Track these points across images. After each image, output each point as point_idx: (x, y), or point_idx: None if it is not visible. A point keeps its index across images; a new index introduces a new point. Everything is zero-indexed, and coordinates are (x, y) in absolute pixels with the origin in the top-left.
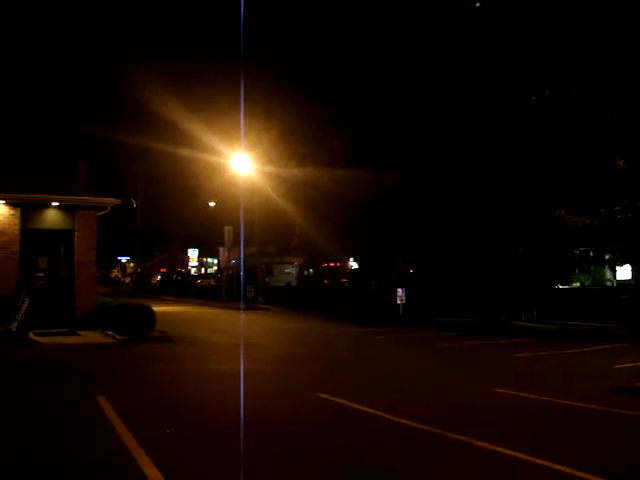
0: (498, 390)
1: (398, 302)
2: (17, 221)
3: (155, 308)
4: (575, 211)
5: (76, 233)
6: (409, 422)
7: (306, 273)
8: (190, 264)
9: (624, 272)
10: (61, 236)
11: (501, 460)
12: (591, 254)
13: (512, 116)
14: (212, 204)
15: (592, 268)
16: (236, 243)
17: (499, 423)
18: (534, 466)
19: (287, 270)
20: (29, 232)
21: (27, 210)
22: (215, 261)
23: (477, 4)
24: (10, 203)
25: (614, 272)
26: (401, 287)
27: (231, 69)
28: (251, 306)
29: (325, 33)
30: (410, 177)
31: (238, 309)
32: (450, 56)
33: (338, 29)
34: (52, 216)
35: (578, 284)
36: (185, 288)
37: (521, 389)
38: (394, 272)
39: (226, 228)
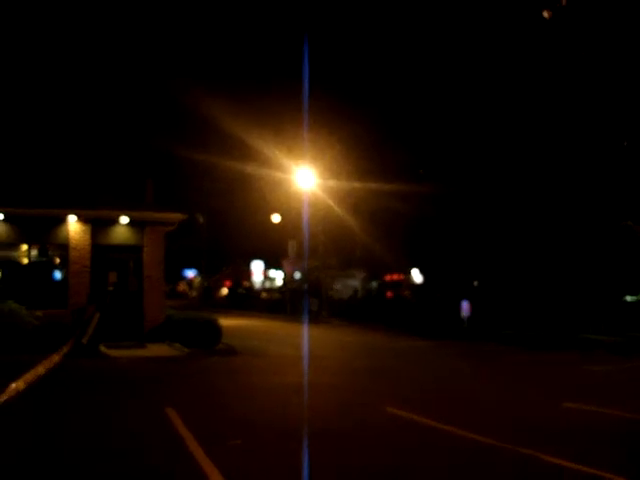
0: (567, 405)
1: (463, 315)
2: (88, 237)
3: (221, 321)
4: None
5: (145, 248)
6: (476, 436)
7: (369, 286)
8: (255, 278)
9: None
10: (130, 251)
11: (572, 476)
12: None
13: (575, 128)
14: (277, 219)
15: None
16: (300, 257)
17: (569, 438)
18: None
19: (350, 283)
20: (100, 247)
21: (98, 226)
22: (280, 274)
23: (546, 14)
24: (82, 219)
25: None
26: (465, 300)
27: (295, 87)
28: (314, 319)
29: (385, 56)
30: (472, 190)
31: (302, 322)
32: (512, 65)
33: (396, 53)
34: (122, 232)
35: None
36: (250, 301)
37: (590, 404)
38: (458, 285)
39: (290, 242)
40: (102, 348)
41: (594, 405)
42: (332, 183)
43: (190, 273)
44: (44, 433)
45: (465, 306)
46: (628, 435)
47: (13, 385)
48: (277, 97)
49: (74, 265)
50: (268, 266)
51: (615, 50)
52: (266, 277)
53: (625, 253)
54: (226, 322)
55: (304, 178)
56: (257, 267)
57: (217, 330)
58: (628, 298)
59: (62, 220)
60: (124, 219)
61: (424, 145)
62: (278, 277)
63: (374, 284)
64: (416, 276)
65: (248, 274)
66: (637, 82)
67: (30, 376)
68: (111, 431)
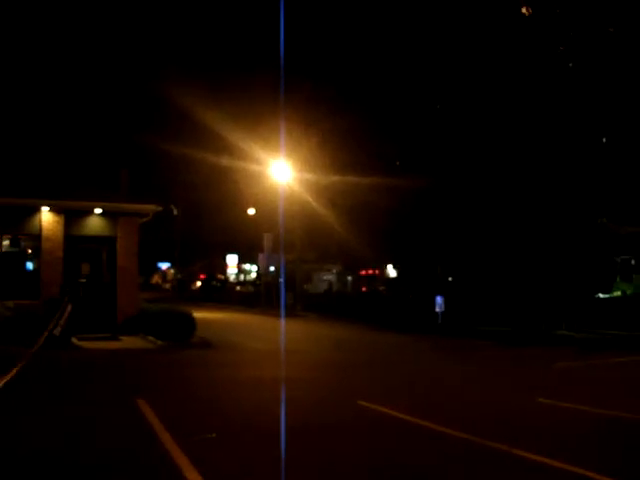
0: (541, 400)
1: (437, 310)
2: (61, 227)
3: (195, 314)
4: (617, 219)
5: (118, 239)
6: (449, 430)
7: (344, 281)
8: (229, 271)
9: None
10: (104, 242)
11: (544, 470)
12: (633, 262)
13: (553, 124)
14: (252, 212)
15: (634, 277)
16: (275, 250)
17: (543, 434)
18: (577, 476)
19: (325, 277)
20: (72, 238)
21: (71, 217)
22: (254, 268)
23: (525, 10)
24: (55, 210)
25: None
26: (440, 295)
27: (271, 78)
28: (289, 313)
29: (363, 45)
30: (449, 185)
31: (277, 316)
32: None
33: (375, 41)
34: (95, 223)
35: (619, 293)
36: (224, 295)
37: (564, 399)
38: (432, 280)
39: (265, 235)
40: (74, 340)
41: (567, 401)
42: (309, 176)
43: (164, 265)
44: (11, 424)
45: (439, 301)
46: (601, 431)
47: None
48: (253, 89)
49: (46, 256)
50: (243, 259)
51: (594, 48)
52: (240, 270)
53: (599, 250)
54: (200, 315)
55: (280, 171)
56: (232, 260)
57: (191, 323)
58: (601, 295)
59: (35, 210)
60: (98, 210)
61: (403, 139)
62: (253, 270)
63: (349, 278)
64: (391, 271)
65: (222, 267)
66: (615, 80)
67: None
68: (81, 423)
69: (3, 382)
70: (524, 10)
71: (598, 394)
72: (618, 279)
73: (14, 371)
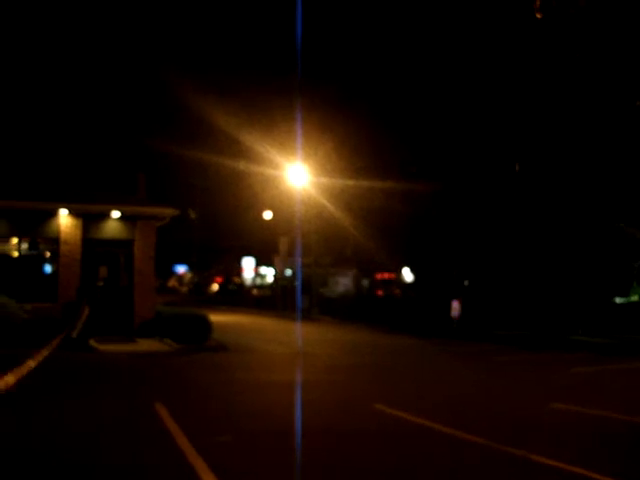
0: (556, 405)
1: (453, 314)
2: (79, 231)
3: (211, 317)
4: (635, 224)
5: (136, 243)
6: (466, 435)
7: (360, 284)
8: (245, 274)
9: None
10: (121, 246)
11: (561, 475)
12: None
13: (569, 128)
14: (268, 215)
15: None
16: (291, 254)
17: (558, 439)
18: None
19: (341, 281)
20: (90, 241)
21: (89, 220)
22: (271, 271)
23: (538, 14)
24: (73, 213)
25: None
26: (456, 299)
27: (288, 83)
28: (305, 316)
29: (380, 50)
30: (465, 189)
31: (293, 319)
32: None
33: (391, 47)
34: (113, 226)
35: (636, 298)
36: (240, 298)
37: (579, 404)
38: (448, 284)
39: (281, 239)
40: (92, 342)
41: (583, 406)
42: (325, 180)
43: (181, 269)
44: (32, 428)
45: (455, 305)
46: (617, 436)
47: (2, 379)
48: (269, 93)
49: (64, 259)
50: (259, 263)
51: (608, 50)
52: (257, 274)
53: (616, 255)
54: (216, 318)
55: (296, 175)
56: (248, 263)
57: (207, 326)
58: (617, 300)
59: (53, 214)
60: (115, 213)
61: (418, 142)
62: (269, 274)
63: (365, 282)
64: (407, 275)
65: (239, 270)
66: (630, 82)
67: (20, 370)
68: (100, 427)
69: (19, 382)
70: (538, 16)
71: (615, 399)
72: (635, 284)
73: (32, 372)
